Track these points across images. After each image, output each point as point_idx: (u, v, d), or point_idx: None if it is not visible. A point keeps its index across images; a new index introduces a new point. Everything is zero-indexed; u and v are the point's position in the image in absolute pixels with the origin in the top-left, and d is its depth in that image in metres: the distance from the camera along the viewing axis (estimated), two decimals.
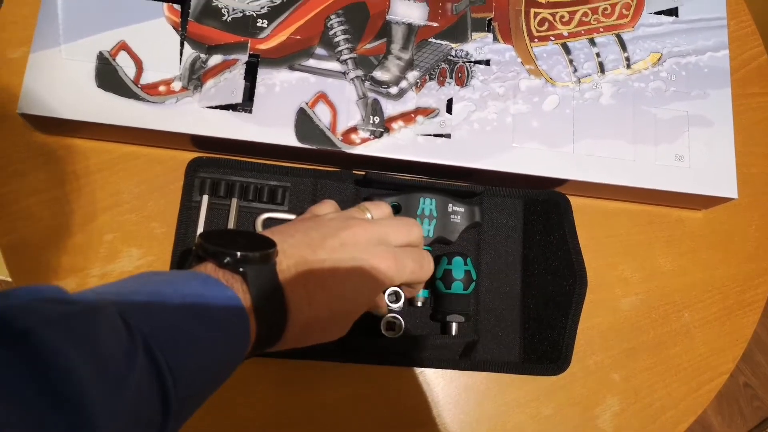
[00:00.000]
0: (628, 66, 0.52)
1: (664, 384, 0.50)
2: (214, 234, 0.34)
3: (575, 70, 0.51)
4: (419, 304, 0.47)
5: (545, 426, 0.48)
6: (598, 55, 0.52)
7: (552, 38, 0.51)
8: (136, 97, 0.45)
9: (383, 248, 0.36)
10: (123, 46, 0.45)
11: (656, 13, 0.53)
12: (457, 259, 0.47)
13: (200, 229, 0.46)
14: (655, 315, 0.52)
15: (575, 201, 0.49)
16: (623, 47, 0.52)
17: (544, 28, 0.52)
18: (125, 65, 0.45)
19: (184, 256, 0.46)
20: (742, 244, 0.55)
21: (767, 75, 0.58)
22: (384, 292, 0.46)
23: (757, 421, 1.27)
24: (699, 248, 0.54)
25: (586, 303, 0.47)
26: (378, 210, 0.41)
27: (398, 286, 0.45)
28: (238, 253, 0.31)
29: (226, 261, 0.31)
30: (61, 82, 0.44)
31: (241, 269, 0.31)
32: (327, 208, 0.41)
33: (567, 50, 0.51)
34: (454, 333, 0.47)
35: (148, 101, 0.45)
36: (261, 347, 0.32)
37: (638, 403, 0.50)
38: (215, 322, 0.29)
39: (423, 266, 0.39)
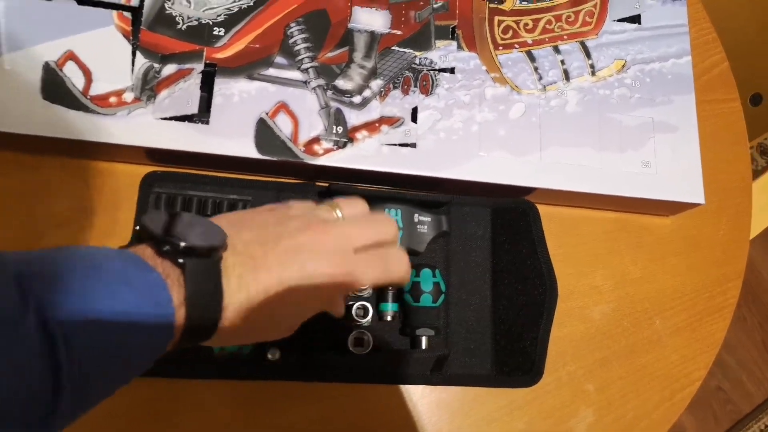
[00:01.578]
0: (593, 73, 0.52)
1: (638, 393, 0.50)
2: (161, 216, 0.30)
3: (540, 78, 0.51)
4: (388, 318, 0.46)
5: None
6: (562, 62, 0.51)
7: (516, 46, 0.51)
8: (86, 109, 0.43)
9: (341, 256, 0.34)
10: (70, 56, 0.43)
11: (619, 20, 0.53)
12: (426, 271, 0.45)
13: None
14: (627, 323, 0.51)
15: (544, 209, 0.49)
16: (587, 54, 0.52)
17: (509, 35, 0.51)
18: (73, 76, 0.43)
19: None
20: (710, 249, 0.54)
21: (729, 81, 0.59)
22: (352, 306, 0.45)
23: (730, 424, 1.28)
24: (667, 254, 0.54)
25: (558, 312, 0.47)
26: (350, 208, 0.37)
27: (373, 288, 0.44)
28: (181, 243, 0.28)
29: (165, 249, 0.28)
30: (4, 94, 0.42)
31: (180, 260, 0.28)
32: (299, 204, 0.37)
33: (532, 58, 0.51)
34: (424, 347, 0.45)
35: (98, 113, 0.43)
36: (190, 341, 0.30)
37: (612, 414, 0.49)
38: (131, 304, 0.26)
39: (390, 270, 0.36)
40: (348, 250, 0.34)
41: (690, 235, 0.54)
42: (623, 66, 0.52)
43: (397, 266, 0.37)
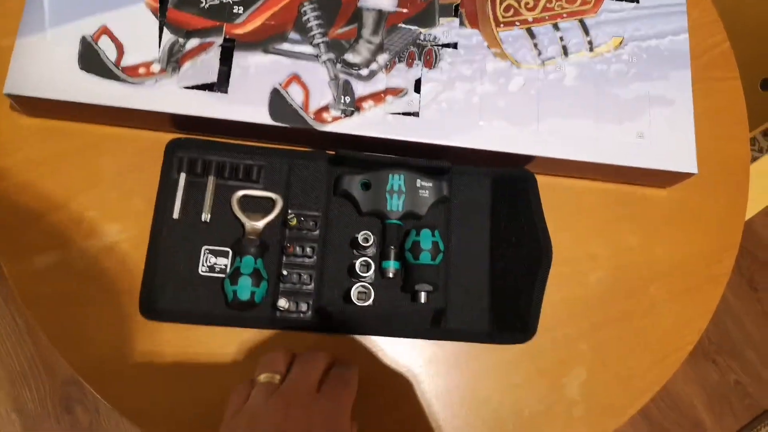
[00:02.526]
0: (591, 49, 0.54)
1: (631, 355, 0.52)
2: None
3: (540, 54, 0.53)
4: (390, 275, 0.49)
5: (515, 393, 0.50)
6: (561, 39, 0.54)
7: (517, 23, 0.54)
8: (117, 78, 0.47)
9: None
10: (105, 31, 0.48)
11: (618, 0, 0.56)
12: (425, 231, 0.48)
13: (178, 205, 0.48)
14: (623, 289, 0.53)
15: (543, 180, 0.51)
16: (586, 32, 0.54)
17: (510, 14, 0.54)
18: (107, 48, 0.48)
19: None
20: (707, 220, 0.56)
21: (728, 60, 0.61)
22: (356, 262, 0.48)
23: (748, 419, 1.27)
24: (664, 225, 0.55)
25: (555, 276, 0.49)
26: (270, 366, 0.40)
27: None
28: None
29: None
30: (46, 65, 0.47)
31: None
32: (275, 364, 0.41)
33: (532, 35, 0.54)
34: (422, 302, 0.48)
35: (128, 82, 0.47)
36: None
37: (605, 373, 0.51)
38: None
39: (351, 385, 0.40)
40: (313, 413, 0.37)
41: (687, 207, 0.56)
42: (621, 43, 0.54)
43: (351, 374, 0.41)
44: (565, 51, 0.54)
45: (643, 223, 0.55)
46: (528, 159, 0.51)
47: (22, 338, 1.12)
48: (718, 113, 0.59)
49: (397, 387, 0.49)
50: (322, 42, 0.50)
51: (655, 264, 0.54)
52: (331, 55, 0.50)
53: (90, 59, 0.47)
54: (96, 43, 0.48)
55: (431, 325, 0.49)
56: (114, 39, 0.48)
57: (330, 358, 0.42)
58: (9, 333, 1.12)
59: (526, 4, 0.54)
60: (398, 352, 0.50)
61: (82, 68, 0.47)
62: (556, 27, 0.54)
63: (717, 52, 0.61)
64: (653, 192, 0.56)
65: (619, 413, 0.51)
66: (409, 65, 0.51)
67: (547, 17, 0.54)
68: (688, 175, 0.52)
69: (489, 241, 0.52)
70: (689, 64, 0.55)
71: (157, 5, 0.49)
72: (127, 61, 0.48)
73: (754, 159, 0.79)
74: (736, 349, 1.31)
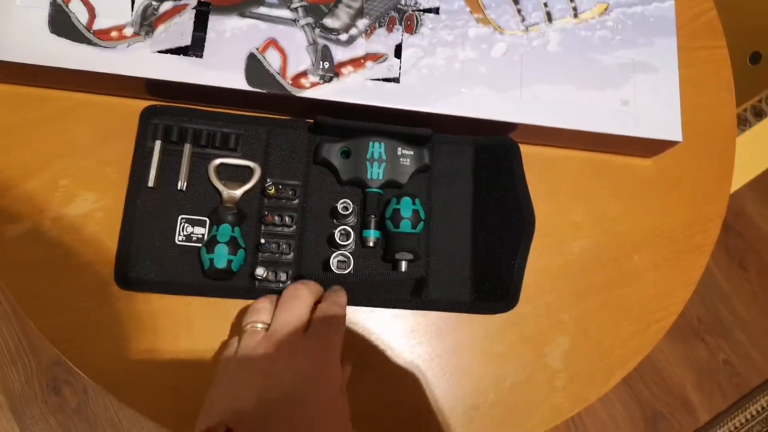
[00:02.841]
0: (576, 15, 0.53)
1: (613, 324, 0.51)
2: None
3: (523, 20, 0.52)
4: (371, 244, 0.48)
5: (497, 362, 0.49)
6: (545, 5, 0.53)
7: None
8: (89, 42, 0.46)
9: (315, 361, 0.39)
10: None
11: None
12: (406, 199, 0.48)
13: (153, 173, 0.47)
14: (605, 258, 0.53)
15: (525, 149, 0.50)
16: None
17: None
18: (78, 11, 0.46)
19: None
20: (691, 190, 0.56)
21: (715, 29, 0.60)
22: (335, 231, 0.47)
23: (736, 397, 1.27)
24: (648, 194, 0.55)
25: (537, 246, 0.49)
26: (258, 315, 0.42)
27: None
28: None
29: None
30: (15, 28, 0.45)
31: None
32: (261, 314, 0.42)
33: (515, 0, 0.53)
34: (403, 270, 0.48)
35: (100, 46, 0.46)
36: None
37: (588, 342, 0.51)
38: None
39: (338, 313, 0.42)
40: (303, 350, 0.39)
41: (672, 176, 0.56)
42: (606, 9, 0.54)
43: (337, 309, 0.43)
44: (549, 17, 0.53)
45: (626, 192, 0.55)
46: (511, 127, 0.51)
47: (8, 320, 1.12)
48: (703, 81, 0.58)
49: (378, 358, 0.48)
50: (301, 6, 0.49)
51: (638, 233, 0.54)
52: (310, 20, 0.49)
53: (60, 22, 0.46)
54: (67, 6, 0.46)
55: (412, 295, 0.48)
56: (85, 2, 0.47)
57: (315, 293, 0.43)
58: None
59: None
60: (379, 323, 0.49)
61: (52, 32, 0.46)
62: None
63: (704, 20, 0.60)
64: (638, 161, 0.55)
65: (601, 382, 0.50)
66: (390, 30, 0.50)
67: None
68: (673, 143, 0.52)
69: (471, 210, 0.51)
70: (675, 31, 0.54)
71: None
72: (99, 24, 0.46)
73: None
74: (725, 328, 1.32)
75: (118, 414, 1.09)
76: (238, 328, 0.47)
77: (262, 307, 0.42)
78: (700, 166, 0.56)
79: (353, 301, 0.48)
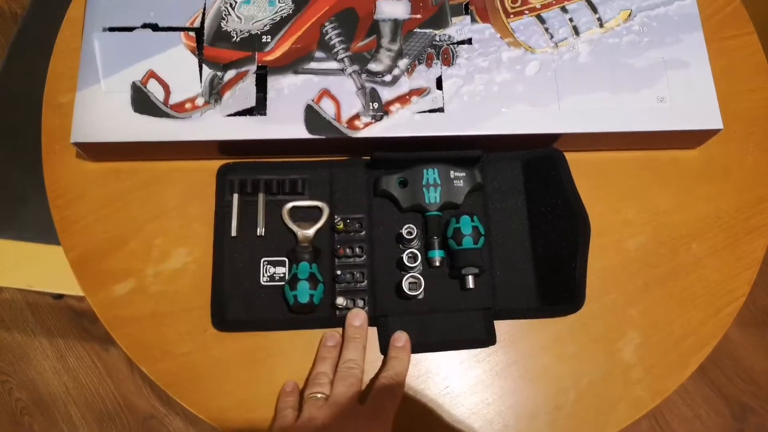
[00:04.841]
0: (601, 25, 0.56)
1: (682, 313, 0.53)
2: None
3: (552, 37, 0.56)
4: (437, 264, 0.52)
5: (572, 363, 0.51)
6: (571, 20, 0.56)
7: (526, 12, 0.56)
8: (167, 115, 0.52)
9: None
10: (152, 75, 0.53)
11: None
12: (464, 218, 0.51)
13: (234, 223, 0.53)
14: (664, 250, 0.55)
15: (571, 156, 0.53)
16: (594, 10, 0.57)
17: (518, 4, 0.57)
18: (155, 90, 0.53)
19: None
20: (741, 174, 0.57)
21: (741, 17, 0.62)
22: (403, 255, 0.51)
23: None
24: (698, 184, 0.56)
25: (595, 247, 0.51)
26: (325, 378, 0.48)
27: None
28: None
29: None
30: (104, 112, 0.52)
31: None
32: (322, 386, 0.48)
33: (542, 20, 0.56)
34: (470, 285, 0.51)
35: (177, 118, 0.52)
36: None
37: (658, 334, 0.52)
38: None
39: (398, 379, 0.48)
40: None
41: (719, 163, 0.57)
42: (629, 15, 0.56)
43: (396, 380, 0.48)
44: (576, 31, 0.56)
45: (676, 185, 0.56)
46: (554, 138, 0.54)
47: (102, 380, 1.19)
48: (737, 69, 0.60)
49: (453, 372, 0.51)
50: (346, 56, 0.54)
51: (693, 222, 0.55)
52: (356, 67, 0.54)
53: (141, 102, 0.52)
54: (145, 87, 0.53)
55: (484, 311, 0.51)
56: (160, 81, 0.53)
57: (364, 347, 0.50)
58: (91, 377, 1.20)
59: None
60: None
61: (135, 111, 0.52)
62: (564, 10, 0.57)
63: (728, 10, 0.62)
64: (683, 153, 0.57)
65: (677, 372, 0.52)
66: (429, 66, 0.54)
67: (554, 2, 0.57)
68: (715, 131, 0.53)
69: (527, 220, 0.54)
70: (700, 25, 0.56)
71: (194, 45, 0.54)
72: (174, 98, 0.53)
73: None
74: None
75: None
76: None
77: (323, 381, 0.48)
78: (746, 150, 0.58)
79: (421, 348, 0.51)
